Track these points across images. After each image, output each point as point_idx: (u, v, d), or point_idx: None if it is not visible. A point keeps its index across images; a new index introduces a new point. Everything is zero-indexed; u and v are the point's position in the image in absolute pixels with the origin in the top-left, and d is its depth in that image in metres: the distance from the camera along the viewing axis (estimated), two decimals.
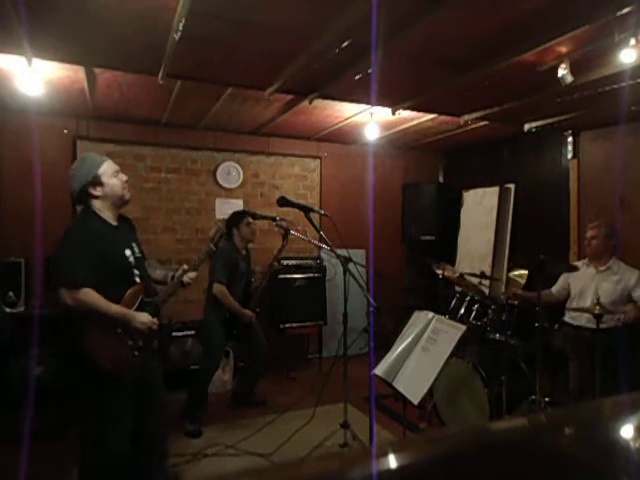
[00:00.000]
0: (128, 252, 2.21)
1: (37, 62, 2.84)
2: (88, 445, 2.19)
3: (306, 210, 2.74)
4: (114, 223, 2.21)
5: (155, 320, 2.19)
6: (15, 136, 4.21)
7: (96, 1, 2.20)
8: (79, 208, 2.26)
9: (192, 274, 2.48)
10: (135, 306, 2.16)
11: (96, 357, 2.02)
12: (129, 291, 2.16)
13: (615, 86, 3.15)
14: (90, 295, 2.00)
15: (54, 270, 2.06)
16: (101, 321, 2.05)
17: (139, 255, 2.28)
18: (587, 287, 3.44)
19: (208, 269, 3.57)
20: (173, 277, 2.46)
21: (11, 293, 3.82)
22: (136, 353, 2.14)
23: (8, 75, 3.21)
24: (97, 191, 2.13)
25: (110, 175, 2.17)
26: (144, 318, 2.14)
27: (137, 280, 2.21)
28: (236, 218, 3.75)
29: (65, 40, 2.63)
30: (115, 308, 2.06)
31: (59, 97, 3.74)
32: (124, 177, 2.24)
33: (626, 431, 0.65)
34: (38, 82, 3.08)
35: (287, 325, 4.81)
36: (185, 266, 2.48)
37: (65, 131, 4.43)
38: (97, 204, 2.16)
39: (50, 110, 4.13)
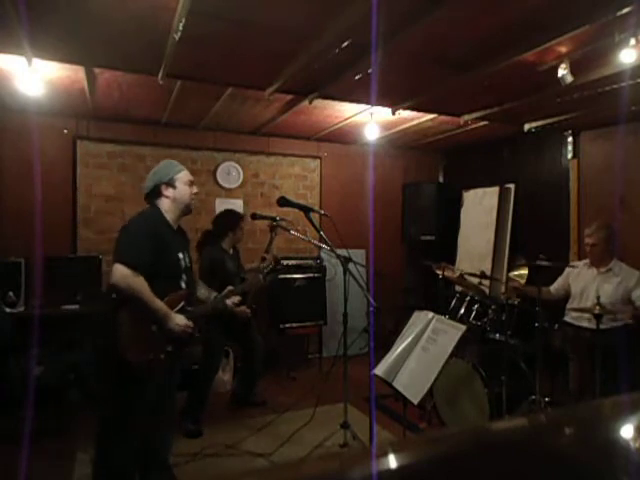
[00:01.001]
0: (181, 256, 2.29)
1: (37, 62, 2.84)
2: (103, 439, 2.21)
3: (306, 210, 2.74)
4: (172, 226, 2.30)
5: (190, 324, 2.22)
6: (15, 136, 4.21)
7: (96, 1, 2.20)
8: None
9: (235, 298, 2.68)
10: (175, 310, 2.20)
11: (124, 349, 2.03)
12: (173, 294, 2.21)
13: (615, 86, 3.15)
14: (140, 281, 2.05)
15: (116, 249, 2.12)
16: (139, 313, 2.08)
17: (189, 265, 2.36)
18: (588, 288, 3.44)
19: (198, 272, 3.58)
20: (216, 298, 2.62)
21: (11, 293, 3.81)
22: (162, 356, 2.15)
23: (8, 75, 3.21)
24: (168, 192, 2.26)
25: (184, 182, 2.30)
26: (181, 321, 2.18)
27: (183, 285, 2.28)
28: (234, 221, 3.73)
29: (65, 40, 2.63)
30: (158, 302, 2.11)
31: (59, 97, 3.75)
32: (195, 189, 2.36)
33: (626, 431, 0.65)
34: (38, 82, 3.08)
35: (287, 325, 4.80)
36: (230, 287, 2.66)
37: (65, 131, 4.43)
38: (164, 204, 2.27)
39: (50, 110, 4.13)
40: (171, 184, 2.26)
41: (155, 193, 2.27)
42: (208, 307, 2.49)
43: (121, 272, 2.02)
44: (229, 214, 3.81)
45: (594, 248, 3.42)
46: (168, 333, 2.15)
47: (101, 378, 2.22)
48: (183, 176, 2.30)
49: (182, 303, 2.24)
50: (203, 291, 2.65)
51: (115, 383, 2.13)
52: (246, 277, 3.81)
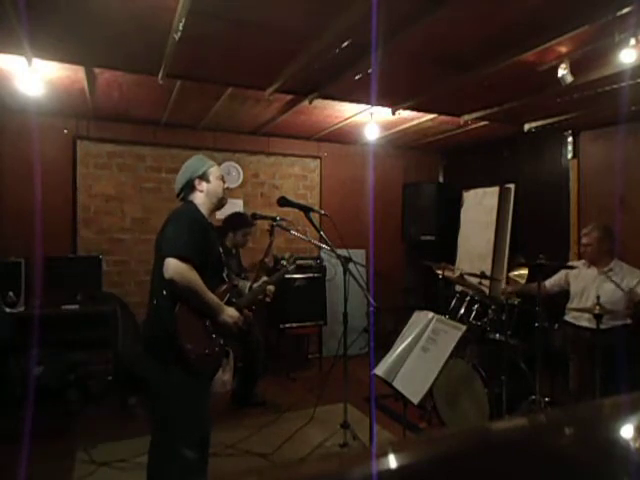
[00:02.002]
0: (221, 249, 2.32)
1: (37, 62, 2.84)
2: (162, 439, 2.16)
3: (306, 210, 2.73)
4: (208, 221, 2.31)
5: (242, 317, 2.25)
6: (15, 136, 4.21)
7: (96, 1, 2.20)
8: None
9: (272, 287, 2.69)
10: (223, 302, 2.22)
11: (183, 344, 2.02)
12: (221, 286, 2.24)
13: (615, 86, 3.15)
14: (195, 274, 2.03)
15: (166, 243, 2.08)
16: (193, 308, 2.08)
17: (224, 259, 2.38)
18: (588, 288, 3.44)
19: None
20: (251, 287, 2.65)
21: (11, 293, 3.81)
22: (217, 349, 2.17)
23: (8, 75, 3.21)
24: (201, 186, 2.24)
25: (217, 177, 2.29)
26: (233, 313, 2.20)
27: (226, 278, 2.31)
28: (236, 224, 3.81)
29: (65, 40, 2.63)
30: (211, 295, 2.11)
31: (59, 97, 3.74)
32: (225, 184, 2.36)
33: (626, 431, 0.65)
34: (38, 82, 3.08)
35: (287, 325, 4.80)
36: (265, 278, 2.69)
37: (65, 131, 4.43)
38: (198, 198, 2.25)
39: (50, 110, 4.13)
40: (205, 178, 2.25)
41: (189, 188, 2.25)
42: (250, 298, 2.50)
43: (176, 266, 1.98)
44: (236, 217, 3.88)
45: (587, 248, 3.47)
46: (221, 326, 2.16)
47: (155, 376, 2.15)
48: (215, 170, 2.30)
49: (228, 295, 2.27)
50: (238, 282, 2.71)
51: (172, 380, 2.09)
52: (247, 276, 3.83)
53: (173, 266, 1.98)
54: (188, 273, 2.00)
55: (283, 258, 3.11)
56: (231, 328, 2.20)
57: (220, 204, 2.33)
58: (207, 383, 2.24)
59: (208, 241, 2.18)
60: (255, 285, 2.62)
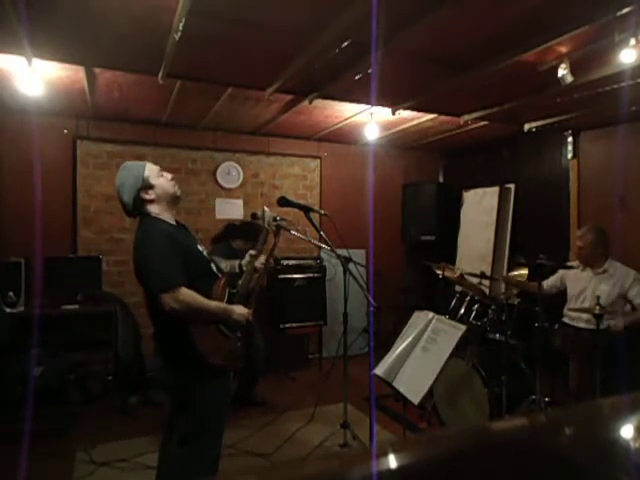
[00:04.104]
0: (200, 248, 2.23)
1: (37, 62, 2.84)
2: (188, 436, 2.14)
3: (306, 210, 2.73)
4: (174, 224, 2.21)
5: (250, 311, 2.22)
6: (15, 136, 4.21)
7: (96, 1, 2.20)
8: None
9: (262, 258, 2.51)
10: (226, 298, 2.19)
11: (208, 355, 2.02)
12: (217, 285, 2.17)
13: (615, 86, 3.15)
14: (190, 294, 1.99)
15: (149, 279, 2.02)
16: (203, 321, 2.06)
17: (206, 253, 2.31)
18: (586, 289, 3.44)
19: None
20: (241, 266, 2.52)
21: (11, 293, 3.81)
22: (239, 344, 2.20)
23: (8, 75, 3.21)
24: (150, 195, 2.10)
25: (156, 176, 2.14)
26: (241, 310, 2.17)
27: (217, 273, 2.25)
28: (235, 233, 3.86)
29: (65, 40, 2.63)
30: (214, 304, 2.08)
31: (59, 97, 3.74)
32: (169, 175, 2.20)
33: (626, 431, 0.65)
34: (38, 82, 3.08)
35: (287, 325, 4.80)
36: (252, 251, 2.51)
37: (65, 131, 4.43)
38: (154, 209, 2.13)
39: (50, 110, 4.13)
40: (147, 185, 2.09)
41: (138, 203, 2.10)
42: (246, 278, 2.41)
43: (170, 299, 1.94)
44: (245, 228, 3.89)
45: (581, 251, 3.47)
46: (234, 325, 2.17)
47: (180, 387, 2.15)
48: (151, 171, 2.12)
49: (227, 289, 2.23)
50: (224, 264, 2.61)
51: (199, 387, 2.09)
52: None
53: (168, 301, 1.93)
54: (183, 298, 1.96)
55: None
56: (243, 324, 2.20)
57: (175, 200, 2.20)
58: (229, 379, 2.27)
59: (185, 250, 2.08)
60: (243, 262, 2.52)
